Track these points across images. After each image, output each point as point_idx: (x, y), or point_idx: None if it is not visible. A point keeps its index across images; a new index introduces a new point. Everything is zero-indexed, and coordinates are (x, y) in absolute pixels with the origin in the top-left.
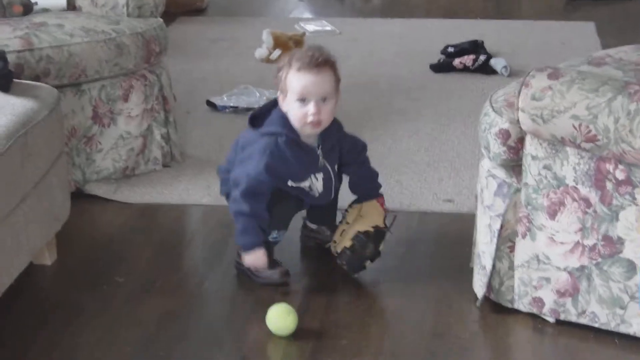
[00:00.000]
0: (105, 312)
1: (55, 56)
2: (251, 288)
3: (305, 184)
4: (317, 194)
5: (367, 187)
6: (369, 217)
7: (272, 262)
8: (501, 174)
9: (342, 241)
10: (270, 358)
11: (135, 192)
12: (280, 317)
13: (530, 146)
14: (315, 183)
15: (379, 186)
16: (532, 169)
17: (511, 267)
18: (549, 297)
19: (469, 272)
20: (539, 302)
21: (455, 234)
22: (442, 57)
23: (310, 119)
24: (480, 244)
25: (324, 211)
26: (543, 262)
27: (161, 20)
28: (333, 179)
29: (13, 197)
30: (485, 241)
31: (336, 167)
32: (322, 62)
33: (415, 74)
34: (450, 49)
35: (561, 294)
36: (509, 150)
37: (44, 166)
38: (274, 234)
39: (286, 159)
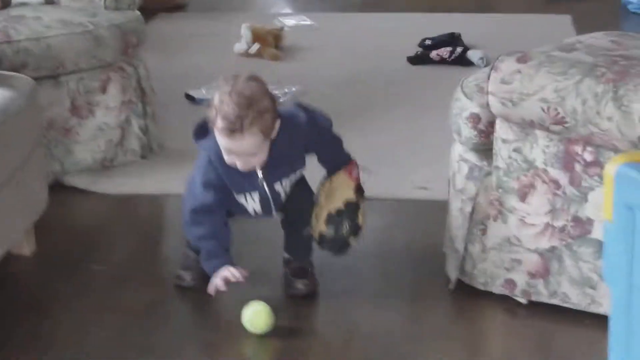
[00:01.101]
0: (84, 300)
1: (33, 48)
2: None
3: (240, 200)
4: (252, 213)
5: (333, 159)
6: (338, 193)
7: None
8: (472, 157)
9: (317, 226)
10: (243, 349)
11: (114, 183)
12: (256, 316)
13: (500, 130)
14: (250, 202)
15: (346, 154)
16: (502, 153)
17: (483, 250)
18: (520, 278)
19: (443, 257)
20: (511, 284)
21: (430, 220)
22: (420, 49)
23: (239, 167)
24: (453, 228)
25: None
26: (514, 244)
27: (138, 12)
28: (270, 199)
29: None
30: (457, 225)
31: (282, 182)
32: (239, 128)
33: (393, 67)
34: (428, 42)
35: (532, 275)
36: (480, 134)
37: (21, 156)
38: None
39: (219, 174)
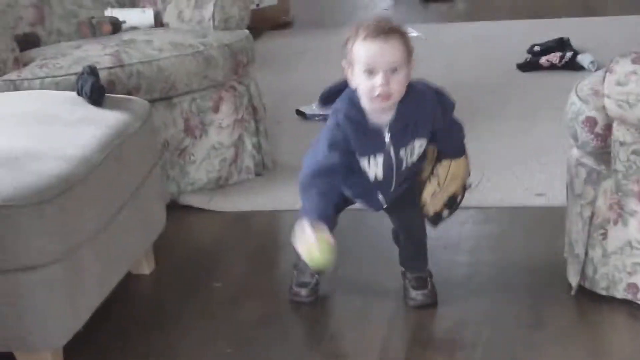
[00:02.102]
0: (203, 317)
1: (146, 71)
2: (345, 292)
3: (363, 164)
4: (372, 178)
5: (455, 145)
6: (459, 178)
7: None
8: (590, 161)
9: (434, 204)
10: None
11: (229, 201)
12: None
13: (618, 132)
14: (373, 166)
15: (464, 143)
16: (620, 155)
17: (604, 255)
18: None
19: (563, 263)
20: (633, 288)
21: (548, 227)
22: (529, 56)
23: (377, 91)
24: (573, 233)
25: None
26: (636, 247)
27: (247, 31)
28: (394, 165)
29: (110, 207)
30: (577, 230)
31: (407, 148)
32: (389, 29)
33: (502, 74)
34: (537, 48)
35: None
36: (597, 138)
37: (139, 177)
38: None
39: (347, 135)
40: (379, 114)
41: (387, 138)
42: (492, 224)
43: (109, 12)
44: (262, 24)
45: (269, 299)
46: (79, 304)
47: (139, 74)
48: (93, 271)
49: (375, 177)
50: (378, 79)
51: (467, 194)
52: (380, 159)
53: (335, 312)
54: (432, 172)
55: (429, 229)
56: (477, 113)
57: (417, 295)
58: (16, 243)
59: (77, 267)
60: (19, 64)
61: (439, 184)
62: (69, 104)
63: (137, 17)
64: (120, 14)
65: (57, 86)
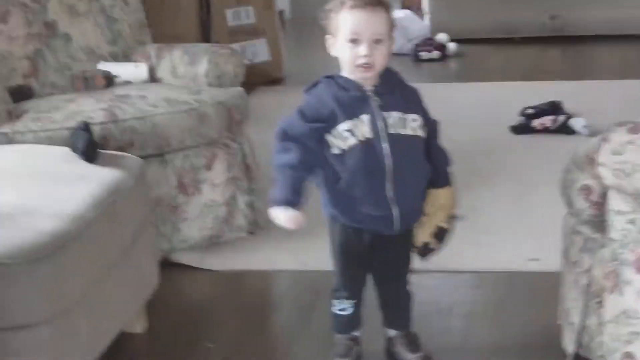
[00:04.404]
0: None
1: (140, 127)
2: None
3: (343, 126)
4: (360, 139)
5: (440, 169)
6: (446, 207)
7: (348, 349)
8: (586, 230)
9: (422, 235)
10: None
11: (222, 259)
12: None
13: (614, 201)
14: (360, 127)
15: (449, 170)
16: (616, 224)
17: (601, 323)
18: None
19: (558, 329)
20: (630, 357)
21: (543, 292)
22: (522, 118)
23: (361, 60)
24: (568, 300)
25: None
26: (632, 317)
27: (241, 88)
28: (384, 125)
29: (102, 264)
30: (572, 297)
31: (395, 114)
32: (376, 1)
33: (495, 136)
34: (529, 111)
35: None
36: (593, 206)
37: (132, 234)
38: (340, 304)
39: (325, 101)
40: (362, 83)
41: (373, 99)
42: (487, 289)
43: (103, 65)
44: (254, 79)
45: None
46: None
47: (133, 129)
48: (84, 331)
49: (362, 138)
50: (362, 49)
51: (455, 227)
52: (366, 117)
53: None
54: None
55: (423, 293)
56: (472, 174)
57: (414, 358)
58: (6, 301)
59: (67, 328)
60: (12, 116)
61: (424, 212)
62: (62, 160)
63: (130, 71)
64: (113, 68)
65: (51, 140)
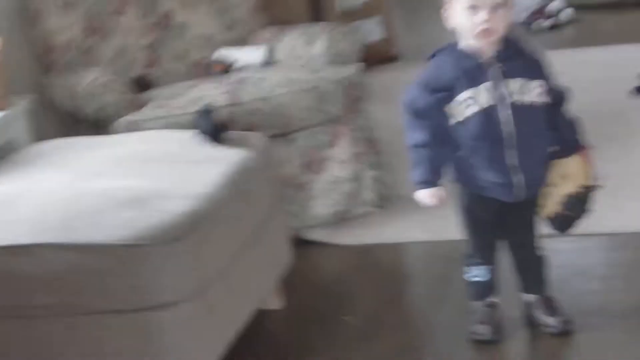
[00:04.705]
0: (336, 350)
1: (263, 108)
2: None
3: (464, 95)
4: (481, 106)
5: (567, 138)
6: (574, 177)
7: (487, 316)
8: None
9: (550, 205)
10: None
11: (353, 234)
12: None
13: None
14: (483, 94)
15: (579, 136)
16: None
17: None
18: None
19: None
20: None
21: None
22: None
23: (482, 26)
24: None
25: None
26: None
27: (359, 65)
28: (506, 95)
29: (237, 243)
30: None
31: (517, 81)
32: None
33: (619, 99)
34: None
35: None
36: None
37: (263, 211)
38: (474, 271)
39: (445, 70)
40: (482, 51)
41: (495, 66)
42: (622, 251)
43: (222, 51)
44: (369, 58)
45: (401, 331)
46: (211, 342)
47: (256, 111)
48: (224, 308)
49: (483, 107)
50: (482, 15)
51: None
52: (487, 85)
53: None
54: None
55: (559, 257)
56: (602, 139)
57: (554, 321)
58: (148, 281)
59: (208, 305)
60: (136, 105)
61: (551, 183)
62: (189, 143)
63: (249, 55)
64: (233, 53)
65: (176, 125)
